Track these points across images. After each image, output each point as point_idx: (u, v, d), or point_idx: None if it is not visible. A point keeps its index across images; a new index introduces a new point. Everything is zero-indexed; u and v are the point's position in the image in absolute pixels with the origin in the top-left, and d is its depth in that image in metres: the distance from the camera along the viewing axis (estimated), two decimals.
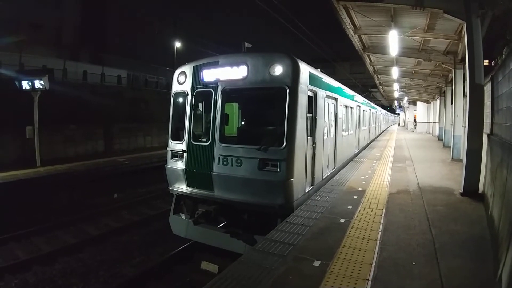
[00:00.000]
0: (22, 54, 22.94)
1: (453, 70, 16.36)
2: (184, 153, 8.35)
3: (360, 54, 19.14)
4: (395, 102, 62.30)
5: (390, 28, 12.17)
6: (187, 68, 8.56)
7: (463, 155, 9.62)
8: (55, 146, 19.59)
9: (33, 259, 8.82)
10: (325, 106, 9.74)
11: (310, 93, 8.20)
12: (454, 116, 15.89)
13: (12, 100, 16.55)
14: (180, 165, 8.42)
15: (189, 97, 8.41)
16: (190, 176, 8.26)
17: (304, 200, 7.85)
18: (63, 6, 36.99)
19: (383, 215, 6.90)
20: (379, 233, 5.85)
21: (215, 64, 8.08)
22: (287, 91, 7.14)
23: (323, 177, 9.92)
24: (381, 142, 26.09)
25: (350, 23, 13.32)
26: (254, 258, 4.85)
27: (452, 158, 15.37)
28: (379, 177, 10.92)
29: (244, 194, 7.41)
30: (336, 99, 11.37)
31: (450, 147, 16.52)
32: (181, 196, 8.59)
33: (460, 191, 8.82)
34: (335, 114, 11.50)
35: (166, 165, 8.82)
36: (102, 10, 43.16)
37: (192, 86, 8.41)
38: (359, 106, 18.13)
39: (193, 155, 8.25)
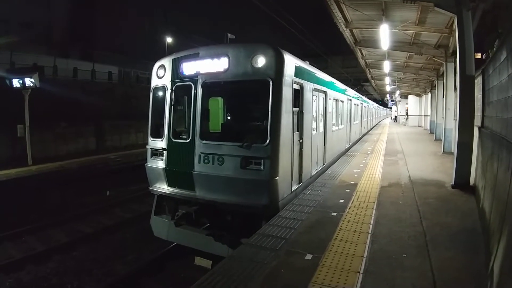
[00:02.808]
0: (12, 52, 22.74)
1: (444, 63, 16.43)
2: (164, 151, 7.98)
3: (352, 48, 19.19)
4: (387, 96, 62.62)
5: (381, 22, 12.19)
6: (167, 61, 8.16)
7: (454, 148, 9.69)
8: (46, 144, 19.49)
9: (27, 258, 8.75)
10: (313, 100, 9.45)
11: (296, 86, 7.83)
12: (446, 109, 15.97)
13: (3, 98, 16.39)
14: (160, 163, 8.03)
15: (169, 92, 8.00)
16: (170, 176, 7.89)
17: (291, 199, 7.53)
18: (52, 3, 36.66)
19: (374, 208, 6.94)
20: (371, 226, 5.88)
21: (195, 57, 7.65)
22: (271, 83, 6.73)
23: (312, 174, 9.57)
24: (373, 136, 26.18)
25: (342, 17, 13.33)
26: (246, 253, 4.85)
27: (443, 151, 15.46)
28: (371, 171, 10.96)
29: (226, 194, 7.03)
30: (325, 93, 11.07)
31: (441, 140, 16.63)
32: (163, 196, 8.20)
33: (451, 183, 8.87)
34: (324, 108, 11.18)
35: (146, 164, 8.42)
36: (92, 6, 42.82)
37: (171, 80, 8.01)
38: (350, 100, 17.70)
39: (173, 153, 7.88)
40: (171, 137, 7.90)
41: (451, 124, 14.86)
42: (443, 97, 17.06)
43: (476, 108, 8.66)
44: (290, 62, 7.40)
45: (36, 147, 17.61)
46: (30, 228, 10.68)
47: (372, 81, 39.88)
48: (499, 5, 9.80)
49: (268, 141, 6.67)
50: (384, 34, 12.91)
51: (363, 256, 4.68)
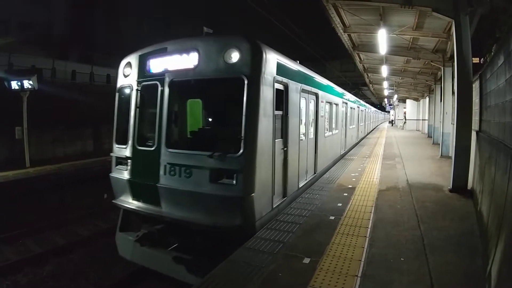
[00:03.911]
0: (11, 54, 22.70)
1: (442, 68, 16.49)
2: (128, 160, 7.04)
3: (350, 53, 19.22)
4: (385, 100, 62.67)
5: (379, 26, 12.23)
6: (133, 58, 7.26)
7: (452, 152, 9.70)
8: (44, 147, 19.42)
9: (24, 261, 8.70)
10: (301, 102, 8.50)
11: (279, 86, 6.90)
12: (443, 113, 16.03)
13: (1, 100, 16.33)
14: (124, 174, 7.08)
15: (134, 92, 7.07)
16: (134, 188, 6.94)
17: (272, 217, 6.60)
18: (52, 5, 36.67)
19: (372, 212, 6.94)
20: (369, 229, 5.89)
21: (163, 52, 6.74)
22: (245, 82, 5.77)
23: (300, 186, 8.63)
24: (371, 140, 26.21)
25: (340, 22, 13.35)
26: (244, 256, 4.84)
27: (441, 155, 15.51)
28: (369, 175, 10.97)
29: (195, 213, 6.06)
30: (316, 95, 10.20)
31: (439, 144, 16.69)
32: (129, 211, 7.14)
33: (449, 187, 8.89)
34: (315, 112, 10.34)
35: (110, 174, 7.55)
36: (91, 7, 42.84)
37: (137, 78, 7.08)
38: (346, 103, 16.86)
39: (138, 162, 6.92)
40: (135, 144, 6.96)
41: (449, 128, 14.88)
42: (441, 101, 17.15)
43: (473, 112, 8.69)
44: (271, 58, 6.44)
45: (34, 149, 17.57)
46: (28, 230, 10.62)
47: (370, 85, 39.93)
48: (496, 10, 9.84)
49: (241, 150, 5.71)
50: (382, 39, 12.94)
51: (361, 260, 4.68)
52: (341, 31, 14.26)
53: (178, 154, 6.35)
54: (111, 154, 7.60)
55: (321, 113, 10.73)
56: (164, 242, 6.54)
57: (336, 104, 13.90)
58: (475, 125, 8.50)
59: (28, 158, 16.63)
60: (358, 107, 23.72)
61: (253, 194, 5.77)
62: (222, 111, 7.92)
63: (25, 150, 16.60)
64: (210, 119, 8.51)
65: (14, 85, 16.08)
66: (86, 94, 22.62)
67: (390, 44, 14.76)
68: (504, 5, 9.50)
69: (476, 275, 4.25)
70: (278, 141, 7.01)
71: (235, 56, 5.92)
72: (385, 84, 32.77)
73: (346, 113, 16.94)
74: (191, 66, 6.31)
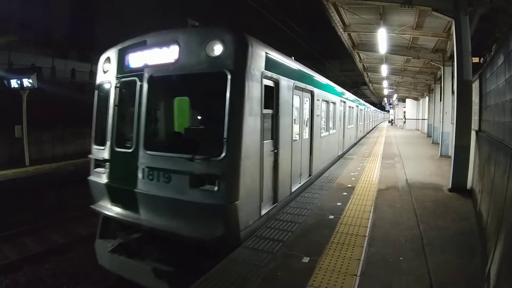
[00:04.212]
0: (11, 52, 22.71)
1: (442, 67, 16.51)
2: (107, 163, 6.56)
3: (350, 52, 19.24)
4: (385, 99, 62.70)
5: (379, 26, 12.23)
6: (112, 52, 6.79)
7: (451, 152, 9.70)
8: (44, 145, 19.40)
9: (24, 259, 8.70)
10: (294, 100, 7.94)
11: (268, 82, 6.36)
12: (443, 113, 16.06)
13: (1, 99, 16.32)
14: (103, 177, 6.58)
15: (112, 89, 6.60)
16: (112, 193, 6.47)
17: (260, 226, 6.06)
18: (52, 4, 36.68)
19: (372, 211, 6.95)
20: (368, 229, 5.89)
21: (142, 45, 6.25)
22: (229, 77, 5.25)
23: (293, 190, 8.07)
24: (371, 139, 26.20)
25: (340, 21, 13.36)
26: (243, 256, 4.84)
27: (440, 155, 15.51)
28: (368, 174, 10.97)
29: (174, 221, 5.59)
30: (311, 92, 9.66)
31: (438, 143, 16.70)
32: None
33: (448, 187, 8.89)
34: (311, 111, 9.77)
35: (88, 177, 7.03)
36: (91, 6, 42.81)
37: (116, 74, 6.60)
38: (344, 102, 16.13)
39: (116, 165, 6.44)
40: (114, 145, 6.48)
41: (449, 128, 14.88)
42: (441, 100, 17.16)
43: (473, 112, 8.69)
44: (258, 51, 5.90)
45: (33, 148, 17.54)
46: (27, 229, 10.62)
47: (370, 84, 39.95)
48: (496, 10, 9.84)
49: (224, 153, 5.16)
50: (382, 38, 12.93)
51: (360, 259, 4.68)
52: (341, 30, 14.28)
53: (157, 157, 5.83)
54: (89, 156, 7.12)
55: (316, 112, 10.16)
56: (144, 251, 5.98)
57: (334, 103, 13.36)
58: (474, 125, 8.49)
59: (27, 156, 16.61)
60: (357, 106, 22.96)
61: (237, 202, 5.23)
62: (205, 109, 7.38)
63: (24, 148, 16.57)
64: (193, 119, 7.92)
65: (14, 83, 16.05)
66: (85, 92, 22.60)
67: (390, 43, 14.76)
68: (504, 5, 9.49)
69: (475, 274, 4.24)
70: (267, 143, 6.49)
71: (217, 49, 5.40)
72: (385, 84, 32.78)
73: (344, 112, 16.31)
74: (172, 60, 5.80)
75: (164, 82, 6.23)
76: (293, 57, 8.39)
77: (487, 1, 9.26)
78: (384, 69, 22.14)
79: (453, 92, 12.70)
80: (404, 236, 5.60)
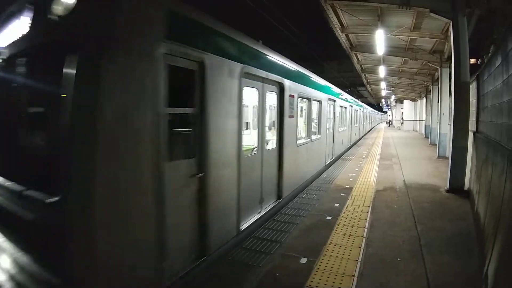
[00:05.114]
0: None
1: (439, 68, 16.55)
2: None
3: (348, 53, 19.22)
4: (383, 100, 62.83)
5: (377, 27, 12.23)
6: None
7: (449, 153, 9.72)
8: None
9: None
10: (241, 94, 5.34)
11: (180, 62, 3.98)
12: (440, 114, 16.08)
13: None
14: None
15: None
16: None
17: None
18: None
19: (369, 212, 6.94)
20: (366, 230, 5.88)
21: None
22: (76, 52, 2.99)
23: (242, 228, 5.54)
24: (368, 140, 26.23)
25: (338, 22, 13.35)
26: (241, 256, 4.83)
27: (438, 156, 15.53)
28: (366, 175, 10.97)
29: None
30: (279, 85, 7.26)
31: (436, 144, 16.70)
32: None
33: (446, 188, 8.91)
34: (280, 110, 7.37)
35: None
36: None
37: None
38: (334, 101, 13.97)
39: None
40: None
41: (446, 129, 14.94)
42: (438, 102, 17.16)
43: (470, 113, 8.70)
44: (145, 4, 3.48)
45: None
46: None
47: (368, 85, 39.98)
48: (494, 11, 9.86)
49: (60, 195, 2.94)
50: (380, 39, 12.97)
51: (357, 260, 4.68)
52: (339, 31, 14.27)
53: None
54: None
55: (288, 112, 7.66)
56: None
57: (319, 101, 11.26)
58: (472, 126, 8.50)
59: None
60: (351, 106, 20.51)
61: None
62: (44, 110, 4.00)
63: None
64: (26, 122, 4.26)
65: None
66: None
67: (388, 44, 14.79)
68: (502, 6, 9.52)
69: (473, 275, 4.24)
70: (182, 164, 4.18)
71: (66, 5, 3.17)
72: (383, 85, 32.88)
73: (334, 113, 14.24)
74: (26, 32, 3.72)
75: (12, 61, 4.04)
76: (260, 41, 6.52)
77: (484, 3, 9.28)
78: (382, 71, 22.20)
79: (450, 94, 12.75)
80: (401, 237, 5.60)
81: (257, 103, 6.54)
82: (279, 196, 7.41)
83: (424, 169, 12.37)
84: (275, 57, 7.05)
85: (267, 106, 6.95)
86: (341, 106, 16.31)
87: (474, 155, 7.80)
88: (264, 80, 6.46)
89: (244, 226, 5.62)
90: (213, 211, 4.57)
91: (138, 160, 3.31)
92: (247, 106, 7.38)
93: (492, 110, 5.82)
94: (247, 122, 6.83)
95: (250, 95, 6.43)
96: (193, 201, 4.29)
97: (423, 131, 31.40)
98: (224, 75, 4.88)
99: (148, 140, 3.41)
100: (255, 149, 6.44)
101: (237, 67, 5.23)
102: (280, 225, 6.10)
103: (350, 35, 15.47)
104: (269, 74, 6.53)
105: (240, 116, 5.31)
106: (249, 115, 7.57)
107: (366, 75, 29.40)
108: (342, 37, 15.49)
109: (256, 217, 6.20)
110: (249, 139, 6.76)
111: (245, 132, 5.92)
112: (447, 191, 8.77)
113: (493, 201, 4.56)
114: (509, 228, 3.36)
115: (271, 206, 6.96)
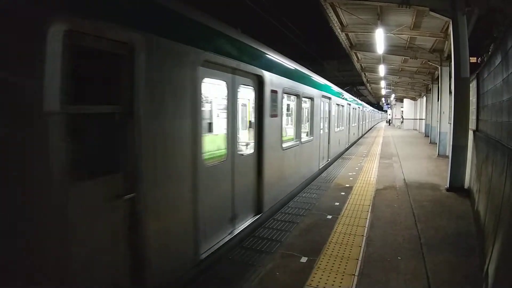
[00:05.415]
0: None
1: (439, 67, 16.53)
2: None
3: (348, 52, 19.20)
4: (383, 99, 62.80)
5: (377, 26, 12.21)
6: None
7: (449, 151, 9.72)
8: None
9: None
10: (200, 88, 4.26)
11: (99, 43, 2.90)
12: (440, 113, 16.08)
13: None
14: None
15: None
16: None
17: None
18: None
19: (369, 211, 6.94)
20: (366, 228, 5.88)
21: None
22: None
23: (203, 257, 4.38)
24: (369, 139, 26.25)
25: (337, 21, 13.33)
26: (241, 255, 4.83)
27: (438, 154, 15.52)
28: (366, 174, 10.98)
29: None
30: (258, 78, 6.12)
31: (436, 143, 16.70)
32: None
33: (446, 186, 8.90)
34: (258, 109, 6.23)
35: None
36: None
37: None
38: (329, 98, 12.87)
39: None
40: None
41: (446, 128, 14.94)
42: (438, 100, 17.16)
43: (470, 112, 8.70)
44: None
45: None
46: None
47: (368, 84, 39.94)
48: (494, 9, 9.85)
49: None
50: (380, 38, 12.94)
51: (358, 259, 4.68)
52: (339, 30, 14.25)
53: None
54: None
55: (270, 110, 6.57)
56: None
57: (310, 99, 10.22)
58: (472, 125, 8.51)
59: None
60: (349, 104, 19.46)
61: None
62: None
63: None
64: None
65: None
66: None
67: (388, 43, 14.79)
68: (502, 5, 9.51)
69: (473, 274, 4.25)
70: (98, 183, 3.03)
71: None
72: (383, 84, 32.86)
73: (329, 112, 13.20)
74: None
75: None
76: (239, 29, 5.69)
77: (484, 1, 9.27)
78: (381, 69, 22.18)
79: (450, 92, 12.76)
80: (402, 235, 5.60)
81: (228, 101, 5.22)
82: (259, 210, 6.29)
83: (424, 168, 12.37)
84: (251, 44, 5.88)
85: (239, 104, 5.71)
86: (338, 104, 15.30)
87: (474, 154, 7.80)
88: (235, 71, 5.28)
89: (207, 253, 4.52)
90: (153, 241, 3.48)
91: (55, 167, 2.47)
92: (210, 103, 6.41)
93: (492, 108, 5.83)
94: (210, 124, 5.88)
95: (216, 89, 5.56)
96: (120, 231, 3.19)
97: (423, 130, 31.39)
98: (169, 62, 3.71)
99: (29, 151, 2.36)
100: (224, 156, 5.23)
101: (193, 53, 4.08)
102: (280, 224, 6.10)
103: (350, 34, 15.45)
104: (242, 64, 5.37)
105: (197, 116, 4.15)
106: (214, 115, 6.45)
107: (366, 74, 29.37)
108: (341, 36, 15.46)
109: (226, 238, 5.10)
110: (215, 144, 5.60)
111: (208, 136, 5.29)
112: (447, 189, 8.76)
113: (493, 200, 4.56)
114: (509, 227, 3.36)
115: (247, 223, 5.82)
